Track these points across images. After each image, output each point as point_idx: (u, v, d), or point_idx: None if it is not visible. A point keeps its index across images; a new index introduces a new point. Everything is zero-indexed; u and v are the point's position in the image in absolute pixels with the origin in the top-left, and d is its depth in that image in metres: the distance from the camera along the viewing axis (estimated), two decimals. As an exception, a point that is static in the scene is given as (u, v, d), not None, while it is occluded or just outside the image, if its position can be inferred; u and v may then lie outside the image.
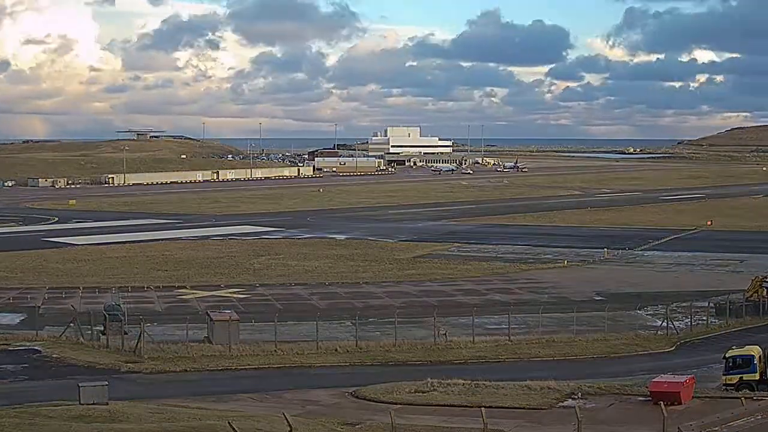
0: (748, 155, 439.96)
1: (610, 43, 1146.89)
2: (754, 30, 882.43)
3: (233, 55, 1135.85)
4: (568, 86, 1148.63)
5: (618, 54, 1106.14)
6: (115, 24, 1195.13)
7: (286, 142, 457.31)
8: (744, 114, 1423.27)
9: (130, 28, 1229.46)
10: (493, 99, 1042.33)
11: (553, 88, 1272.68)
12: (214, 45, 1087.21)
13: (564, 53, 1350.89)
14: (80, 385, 40.82)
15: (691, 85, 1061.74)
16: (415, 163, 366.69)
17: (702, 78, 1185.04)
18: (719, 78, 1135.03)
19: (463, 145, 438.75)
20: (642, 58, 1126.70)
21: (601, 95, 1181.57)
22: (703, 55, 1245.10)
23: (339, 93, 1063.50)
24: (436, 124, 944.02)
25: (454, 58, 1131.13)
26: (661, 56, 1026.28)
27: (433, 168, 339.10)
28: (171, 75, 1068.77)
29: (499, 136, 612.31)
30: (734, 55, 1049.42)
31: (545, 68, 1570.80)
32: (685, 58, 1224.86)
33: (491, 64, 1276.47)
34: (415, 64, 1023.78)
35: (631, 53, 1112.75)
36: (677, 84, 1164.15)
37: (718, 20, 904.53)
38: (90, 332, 62.55)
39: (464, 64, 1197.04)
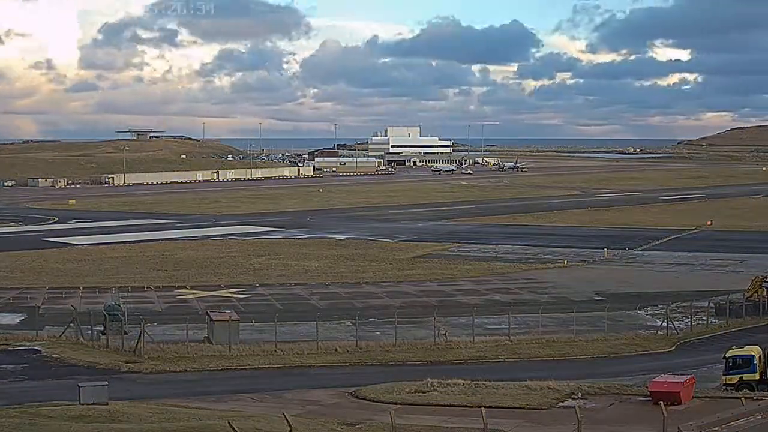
0: (748, 155, 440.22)
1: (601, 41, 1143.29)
2: (732, 27, 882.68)
3: (190, 52, 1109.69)
4: (543, 84, 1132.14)
5: (594, 52, 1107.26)
6: (56, 20, 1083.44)
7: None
8: (730, 114, 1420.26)
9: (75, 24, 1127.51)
10: (477, 98, 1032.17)
11: (530, 87, 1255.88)
12: (170, 41, 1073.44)
13: (533, 51, 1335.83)
14: (80, 385, 40.85)
15: (673, 83, 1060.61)
16: (415, 163, 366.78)
17: (680, 77, 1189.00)
18: (692, 77, 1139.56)
19: (463, 145, 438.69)
20: (622, 56, 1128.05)
21: (588, 94, 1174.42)
22: (679, 54, 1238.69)
23: (314, 92, 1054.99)
24: (428, 125, 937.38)
25: (419, 56, 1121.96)
26: (647, 54, 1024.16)
27: (433, 168, 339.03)
28: (136, 74, 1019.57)
29: (490, 136, 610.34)
30: (706, 54, 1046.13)
31: (514, 66, 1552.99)
32: (667, 56, 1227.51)
33: (462, 65, 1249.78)
34: (386, 61, 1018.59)
35: (604, 51, 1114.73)
36: (665, 83, 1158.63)
37: (696, 17, 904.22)
38: (90, 332, 62.55)
39: (433, 63, 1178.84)
